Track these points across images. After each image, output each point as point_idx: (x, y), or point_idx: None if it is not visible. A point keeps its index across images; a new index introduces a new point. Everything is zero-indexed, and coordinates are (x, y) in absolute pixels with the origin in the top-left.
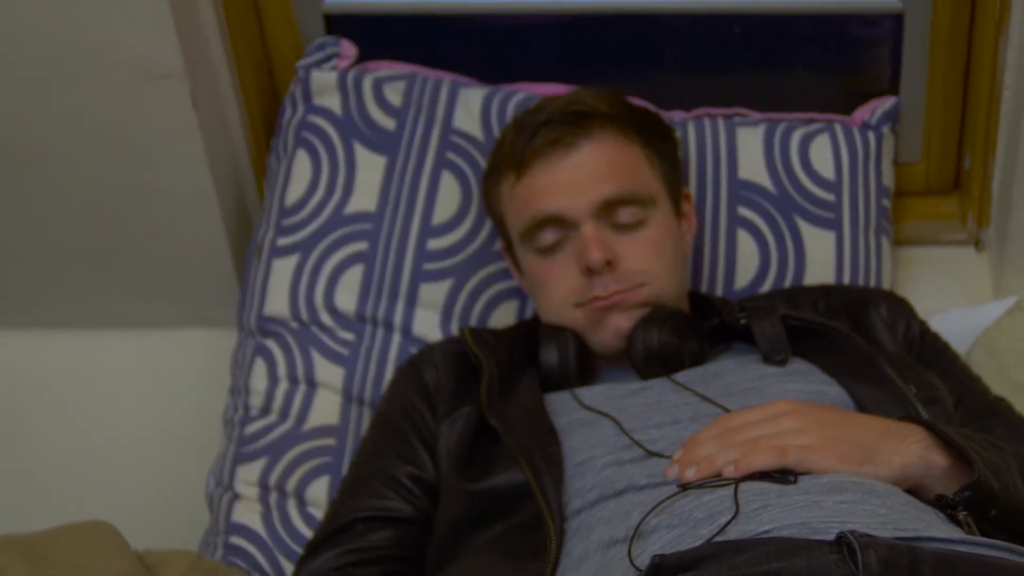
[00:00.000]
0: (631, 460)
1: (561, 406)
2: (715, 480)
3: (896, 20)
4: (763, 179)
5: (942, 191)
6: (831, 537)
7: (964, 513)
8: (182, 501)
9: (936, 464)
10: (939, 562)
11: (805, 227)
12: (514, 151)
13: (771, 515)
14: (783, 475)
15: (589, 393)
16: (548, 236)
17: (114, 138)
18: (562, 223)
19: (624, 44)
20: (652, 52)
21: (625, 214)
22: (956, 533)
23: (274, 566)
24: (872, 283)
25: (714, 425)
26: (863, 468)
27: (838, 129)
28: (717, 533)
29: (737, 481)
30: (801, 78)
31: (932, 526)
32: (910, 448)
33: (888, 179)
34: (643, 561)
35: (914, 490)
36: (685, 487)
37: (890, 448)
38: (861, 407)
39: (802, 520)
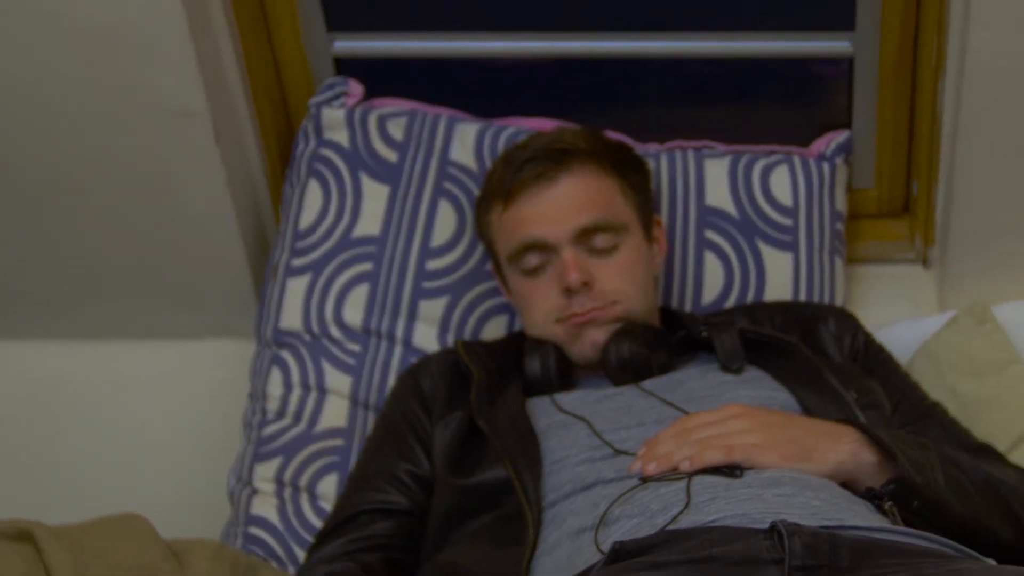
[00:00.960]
0: (601, 458)
1: (542, 410)
2: (672, 474)
3: (848, 62)
4: (728, 206)
5: (892, 214)
6: (766, 526)
7: (889, 504)
8: (206, 496)
9: (866, 461)
10: (855, 546)
11: (765, 249)
12: (502, 183)
13: (717, 506)
14: (731, 470)
15: (567, 398)
16: (532, 259)
17: (146, 170)
18: (544, 248)
19: (606, 83)
20: (631, 90)
21: (600, 240)
22: (880, 522)
23: (288, 553)
24: (826, 299)
25: (673, 426)
26: (802, 464)
27: (796, 160)
28: (670, 522)
29: (690, 475)
30: (764, 113)
31: (858, 516)
32: (844, 447)
33: (841, 205)
34: (607, 546)
35: (848, 484)
36: (646, 480)
37: (826, 447)
38: (807, 411)
39: (743, 511)
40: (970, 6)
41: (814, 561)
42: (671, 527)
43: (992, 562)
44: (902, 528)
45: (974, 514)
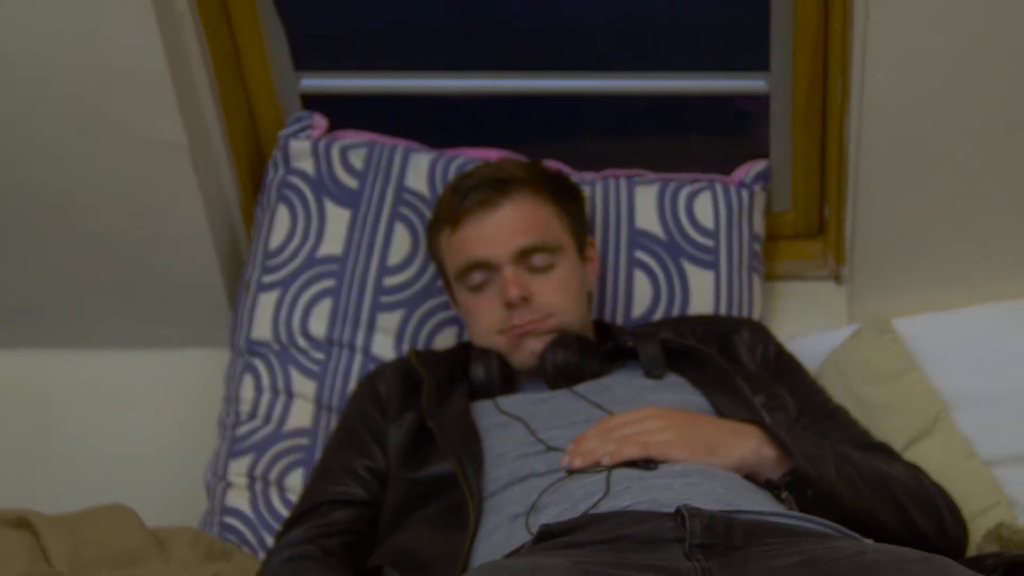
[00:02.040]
0: (535, 454)
1: (484, 411)
2: (595, 468)
3: (765, 99)
4: (656, 228)
5: (807, 235)
6: (672, 510)
7: (786, 493)
8: (185, 489)
9: (767, 456)
10: (748, 527)
11: (689, 268)
12: (450, 209)
13: (632, 494)
14: (646, 463)
15: (507, 401)
16: (477, 277)
17: (131, 196)
18: (487, 267)
19: (547, 117)
20: (570, 124)
21: (538, 259)
22: (774, 508)
23: (259, 540)
24: (744, 313)
25: (597, 425)
26: (709, 458)
27: (718, 187)
28: (590, 508)
29: (610, 468)
30: (690, 145)
31: (755, 502)
32: (747, 444)
33: (759, 228)
34: (536, 529)
35: (750, 476)
36: (572, 473)
37: (731, 443)
38: (719, 413)
39: (654, 498)
40: (867, 51)
41: (711, 540)
42: (591, 511)
43: (870, 542)
44: (792, 513)
45: (864, 504)
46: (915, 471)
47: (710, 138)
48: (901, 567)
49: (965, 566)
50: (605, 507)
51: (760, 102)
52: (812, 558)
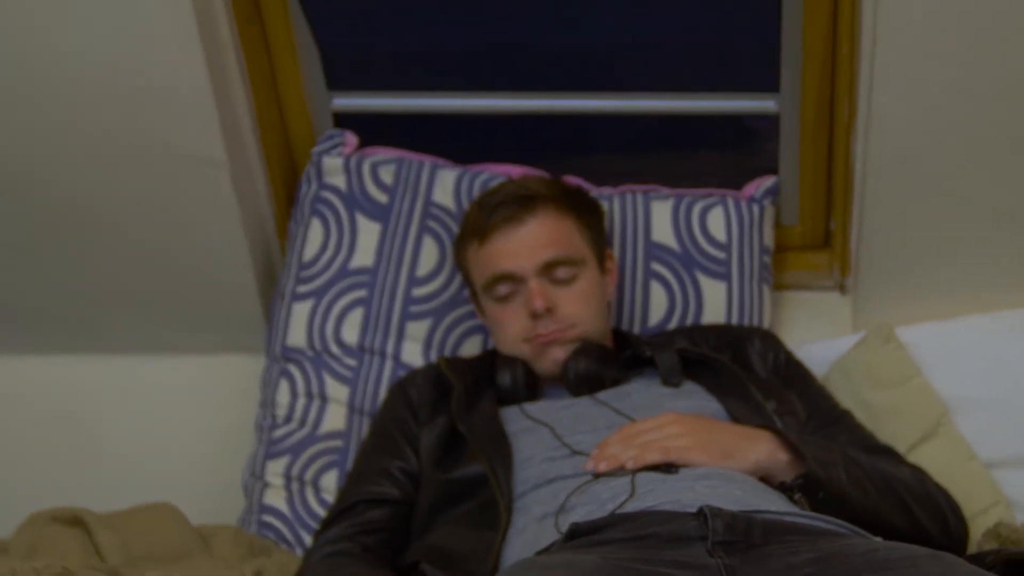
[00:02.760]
0: (561, 457)
1: (511, 417)
2: (619, 471)
3: (775, 119)
4: (671, 241)
5: (815, 247)
6: (695, 510)
7: (799, 495)
8: (224, 489)
9: (780, 459)
10: (766, 526)
11: (703, 279)
12: (477, 224)
13: (656, 496)
14: (668, 467)
15: (533, 407)
16: (503, 289)
17: (173, 210)
18: (513, 279)
19: (568, 135)
20: (589, 141)
21: (561, 272)
22: (789, 509)
23: (296, 537)
24: (755, 322)
25: (620, 431)
26: (727, 462)
27: (730, 202)
28: (617, 508)
29: (634, 471)
30: (704, 161)
31: (771, 503)
32: (762, 448)
33: (769, 240)
34: (565, 528)
35: (765, 478)
36: (597, 476)
37: (747, 448)
38: (733, 418)
39: (677, 499)
40: (874, 76)
41: (732, 537)
42: (619, 511)
43: (880, 540)
44: (806, 512)
45: (872, 504)
46: (919, 473)
47: (722, 155)
48: (911, 563)
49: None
50: (631, 507)
51: (769, 121)
52: (827, 554)
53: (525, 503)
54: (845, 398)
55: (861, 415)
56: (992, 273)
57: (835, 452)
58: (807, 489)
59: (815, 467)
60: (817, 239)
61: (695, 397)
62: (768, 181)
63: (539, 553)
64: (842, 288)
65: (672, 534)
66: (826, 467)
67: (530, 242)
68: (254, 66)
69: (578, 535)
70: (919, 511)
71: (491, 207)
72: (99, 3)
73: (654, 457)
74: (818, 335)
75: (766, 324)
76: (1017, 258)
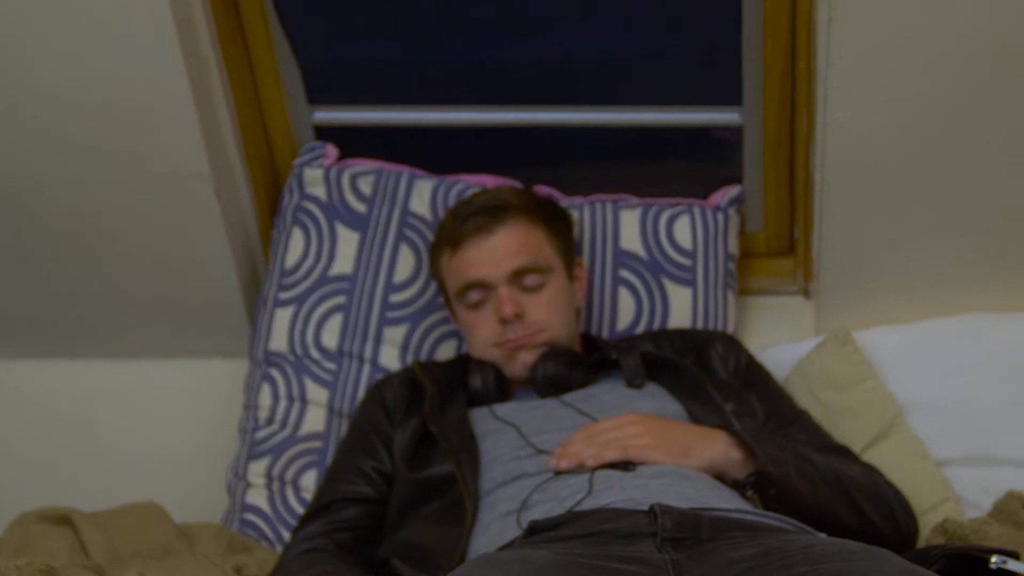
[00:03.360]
0: (526, 456)
1: (481, 418)
2: (580, 469)
3: (739, 131)
4: (639, 249)
5: (779, 254)
6: (646, 508)
7: (751, 492)
8: (208, 488)
9: (734, 458)
10: (714, 523)
11: (669, 285)
12: (450, 233)
13: (612, 493)
14: (626, 465)
15: (502, 408)
16: (474, 295)
17: (160, 220)
18: (484, 286)
19: (540, 146)
20: (560, 152)
21: (530, 279)
22: (739, 506)
23: (277, 535)
24: (719, 327)
25: (582, 431)
26: (682, 460)
27: (696, 211)
28: (574, 505)
29: (593, 469)
30: (671, 171)
31: (722, 500)
32: (717, 447)
33: (733, 248)
34: (526, 524)
35: (719, 476)
36: (558, 473)
37: (702, 447)
38: (692, 418)
39: (631, 496)
40: (828, 91)
41: (680, 534)
42: (575, 509)
43: (823, 536)
44: (755, 510)
45: (822, 501)
46: (870, 471)
47: (689, 165)
48: (845, 557)
49: (912, 557)
50: (587, 505)
51: (735, 132)
52: (768, 549)
53: (491, 500)
54: (804, 399)
55: (819, 415)
56: (945, 279)
57: (788, 451)
58: (759, 486)
59: (767, 465)
60: (781, 246)
61: (657, 398)
62: (733, 190)
63: (500, 549)
64: (806, 293)
65: (624, 531)
66: (778, 465)
67: (500, 251)
68: (237, 83)
69: (537, 532)
70: (869, 508)
71: (463, 217)
72: (85, 22)
73: (613, 455)
74: (783, 338)
75: (730, 328)
76: (969, 265)
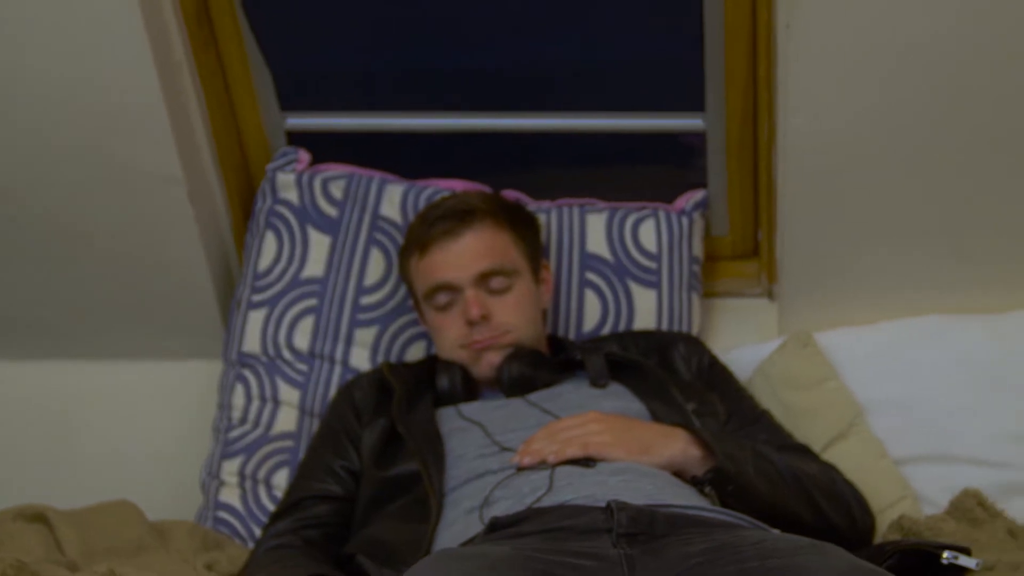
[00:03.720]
0: (491, 454)
1: (448, 417)
2: (541, 466)
3: (703, 136)
4: (605, 252)
5: (744, 256)
6: (604, 504)
7: (709, 488)
8: (182, 486)
9: (693, 455)
10: (669, 519)
11: (635, 287)
12: (418, 237)
13: (572, 490)
14: (586, 462)
15: (468, 408)
16: (442, 298)
17: (135, 224)
18: (451, 289)
19: (508, 151)
20: (528, 157)
21: (496, 282)
22: (697, 502)
23: (249, 532)
24: (683, 328)
25: (545, 428)
26: (642, 458)
27: (661, 215)
28: (535, 502)
29: (554, 466)
30: (637, 176)
31: (679, 497)
32: (676, 445)
33: (698, 251)
34: (487, 521)
35: (679, 473)
36: (521, 470)
37: (662, 444)
38: (654, 417)
39: (590, 493)
40: (788, 98)
41: (635, 530)
42: (535, 505)
43: (777, 532)
44: (710, 506)
45: (780, 498)
46: (829, 469)
47: (654, 170)
48: (794, 552)
49: (868, 554)
50: (548, 501)
51: (699, 137)
52: (720, 544)
53: (455, 498)
54: (765, 399)
55: (780, 415)
56: (903, 282)
57: (746, 449)
58: (717, 483)
59: (725, 463)
60: (746, 249)
61: (620, 398)
62: (698, 195)
63: (462, 544)
64: (770, 295)
65: (582, 527)
66: (736, 463)
67: (467, 254)
68: (210, 89)
69: (498, 528)
70: (826, 505)
71: (431, 221)
72: (59, 28)
73: (574, 452)
74: (747, 339)
75: (695, 330)
76: (927, 268)
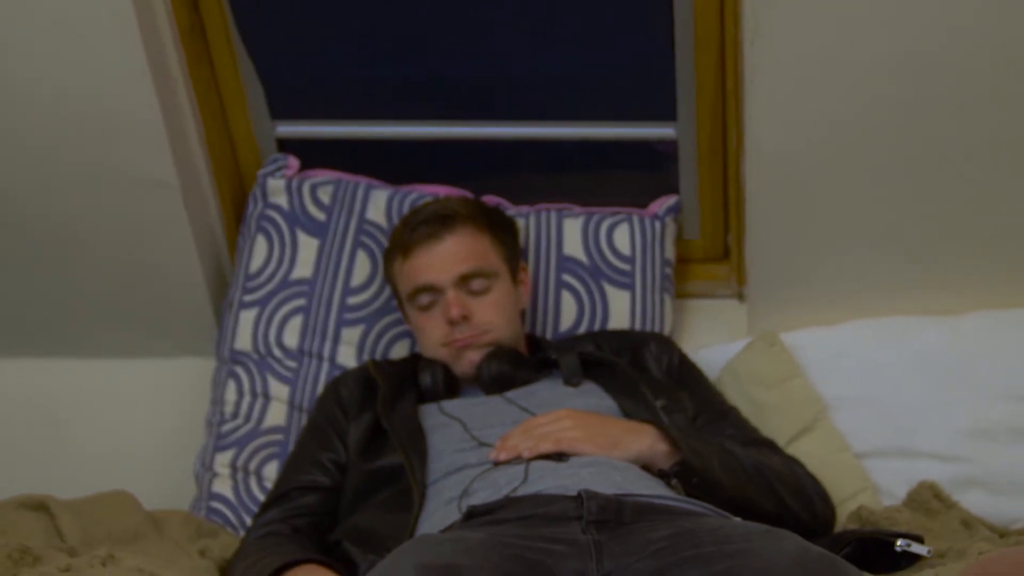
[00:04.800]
0: (470, 448)
1: (429, 413)
2: (517, 460)
3: (674, 144)
4: (580, 255)
5: (715, 259)
6: (575, 493)
7: (675, 481)
8: (177, 478)
9: (660, 450)
10: (636, 507)
11: (609, 289)
12: (402, 240)
13: (545, 481)
14: (559, 456)
15: (449, 404)
16: (424, 299)
17: (131, 227)
18: (433, 290)
19: (489, 158)
20: (508, 164)
21: (476, 284)
22: (662, 493)
23: (240, 521)
24: (655, 328)
25: (521, 425)
26: (612, 452)
27: (635, 219)
28: (510, 492)
29: (529, 460)
30: (612, 182)
31: (646, 487)
32: (644, 440)
33: (670, 254)
34: (465, 510)
35: (647, 466)
36: (498, 464)
37: (630, 439)
38: (625, 414)
39: (562, 484)
40: (755, 109)
41: (604, 517)
42: (511, 495)
43: (737, 520)
44: (675, 496)
45: (743, 490)
46: (792, 463)
47: (629, 176)
48: (747, 537)
49: (828, 542)
50: (522, 491)
51: (671, 145)
52: (682, 531)
53: (436, 489)
54: (734, 396)
55: (747, 411)
56: (864, 285)
57: (712, 444)
58: (682, 476)
59: (690, 456)
60: (717, 252)
61: (592, 395)
62: (670, 200)
63: (442, 531)
64: (740, 296)
65: (554, 515)
66: (701, 457)
67: (448, 257)
68: (203, 99)
69: (475, 516)
70: (788, 496)
71: (414, 225)
72: (59, 38)
73: (548, 447)
74: (718, 339)
75: (667, 330)
76: (888, 271)
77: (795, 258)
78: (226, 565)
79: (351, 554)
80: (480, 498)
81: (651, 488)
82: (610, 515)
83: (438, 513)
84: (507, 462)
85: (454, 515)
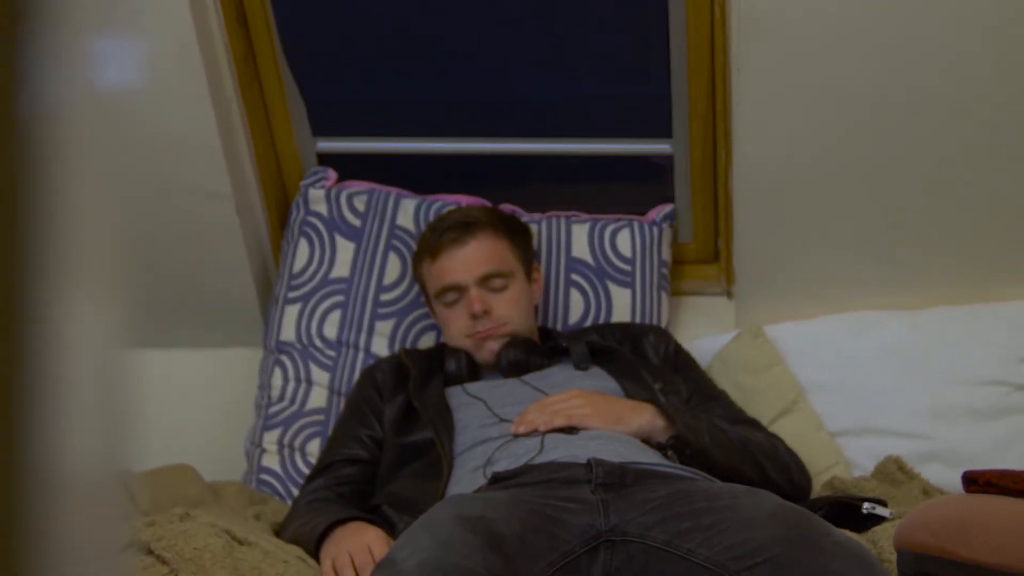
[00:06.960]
0: (491, 424)
1: (455, 394)
2: (533, 433)
3: (670, 159)
4: (587, 256)
5: (706, 261)
6: (584, 461)
7: (670, 452)
8: (231, 455)
9: (658, 425)
10: (637, 473)
11: (612, 287)
12: (429, 244)
13: (559, 451)
14: (570, 430)
15: (472, 387)
16: (450, 296)
17: (190, 234)
18: (458, 289)
19: (506, 171)
20: (523, 176)
21: (496, 282)
22: (661, 461)
23: (287, 491)
24: (653, 322)
25: (536, 403)
26: (616, 426)
27: (635, 225)
28: (528, 460)
29: (544, 433)
30: (615, 192)
31: (646, 457)
32: (644, 416)
33: (667, 256)
34: (489, 476)
35: (646, 439)
36: (516, 437)
37: (632, 416)
38: (627, 395)
39: (574, 453)
40: (741, 129)
41: (610, 480)
42: (529, 463)
43: (725, 484)
44: (672, 464)
45: (730, 461)
46: (773, 438)
47: (630, 187)
48: (733, 495)
49: (803, 505)
50: (539, 460)
51: (667, 160)
52: (677, 491)
53: (463, 459)
54: (722, 381)
55: (735, 395)
56: (839, 283)
57: (702, 420)
58: (677, 447)
59: (684, 431)
60: (708, 254)
61: (599, 378)
62: (667, 208)
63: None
64: (728, 294)
65: (567, 478)
66: (693, 431)
67: (471, 259)
68: (254, 119)
69: (498, 480)
70: (769, 467)
71: (440, 231)
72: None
73: (561, 422)
74: (709, 331)
75: (663, 323)
76: (858, 271)
77: (777, 260)
78: (277, 528)
79: (389, 516)
80: (502, 466)
81: (650, 457)
82: (615, 479)
83: (465, 480)
84: (525, 435)
85: (480, 481)
